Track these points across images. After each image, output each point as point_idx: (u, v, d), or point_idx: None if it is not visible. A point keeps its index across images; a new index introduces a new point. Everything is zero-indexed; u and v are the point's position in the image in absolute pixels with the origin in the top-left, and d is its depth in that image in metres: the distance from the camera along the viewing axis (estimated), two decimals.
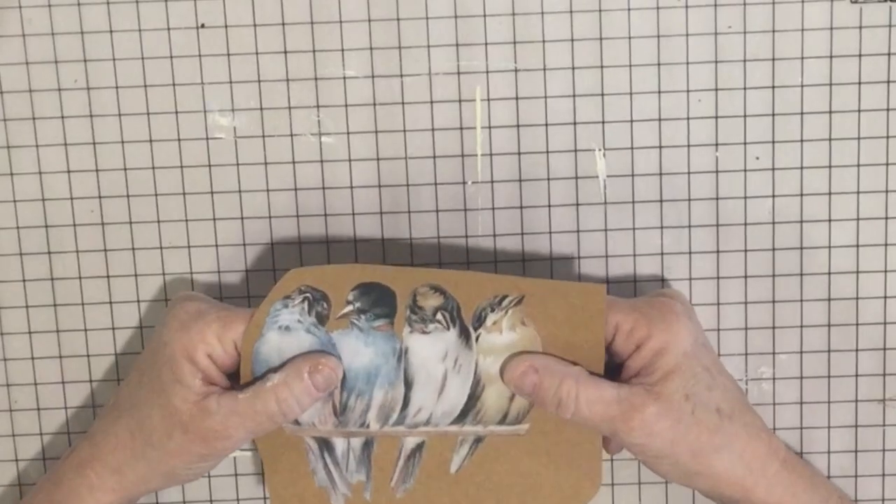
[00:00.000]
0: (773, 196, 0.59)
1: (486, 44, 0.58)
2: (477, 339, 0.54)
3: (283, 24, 0.58)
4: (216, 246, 0.60)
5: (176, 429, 0.53)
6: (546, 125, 0.59)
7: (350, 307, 0.54)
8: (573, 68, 0.58)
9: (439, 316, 0.54)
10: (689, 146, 0.59)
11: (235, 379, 0.55)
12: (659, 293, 0.55)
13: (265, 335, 0.54)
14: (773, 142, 0.59)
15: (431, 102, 0.58)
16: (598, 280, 0.59)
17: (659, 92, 0.58)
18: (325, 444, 0.56)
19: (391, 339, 0.54)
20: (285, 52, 0.58)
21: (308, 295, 0.54)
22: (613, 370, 0.54)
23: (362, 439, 0.56)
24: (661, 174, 0.59)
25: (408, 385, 0.55)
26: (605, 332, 0.54)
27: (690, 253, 0.60)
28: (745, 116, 0.58)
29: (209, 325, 0.53)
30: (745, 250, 0.59)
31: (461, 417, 0.55)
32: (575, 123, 0.58)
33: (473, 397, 0.55)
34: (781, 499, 0.54)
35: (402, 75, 0.58)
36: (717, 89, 0.58)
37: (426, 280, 0.54)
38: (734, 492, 0.54)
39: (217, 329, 0.53)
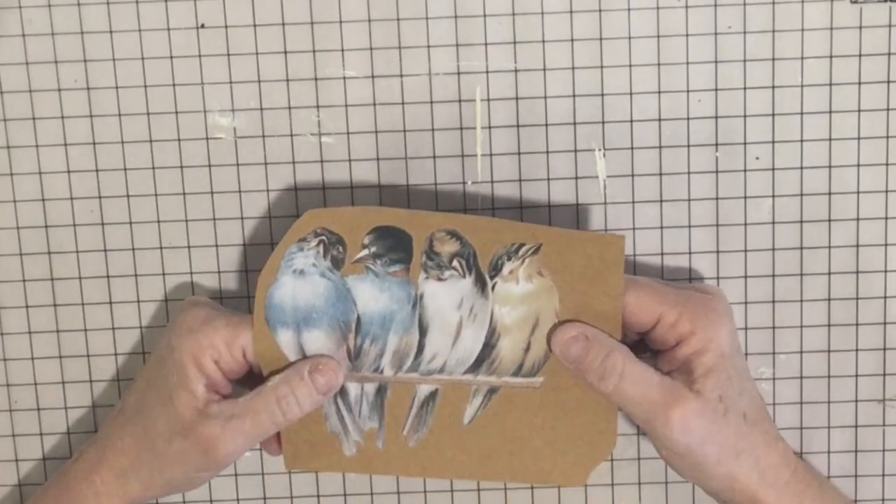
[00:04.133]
0: (773, 196, 0.59)
1: (486, 44, 0.58)
2: (493, 287, 0.54)
3: (283, 24, 0.58)
4: (216, 246, 0.60)
5: (177, 435, 0.53)
6: (546, 125, 0.59)
7: (366, 251, 0.54)
8: (573, 68, 0.58)
9: (455, 263, 0.54)
10: (689, 146, 0.59)
11: (243, 386, 0.55)
12: (702, 288, 0.55)
13: (279, 279, 0.54)
14: (773, 142, 0.59)
15: (431, 102, 0.58)
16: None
17: (659, 92, 0.58)
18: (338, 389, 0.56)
19: (406, 285, 0.54)
20: (285, 53, 0.58)
21: (324, 238, 0.54)
22: (647, 358, 0.54)
23: (376, 385, 0.56)
24: (661, 174, 0.59)
25: (422, 332, 0.55)
26: (622, 287, 0.53)
27: (690, 253, 0.60)
28: (745, 116, 0.58)
29: (217, 331, 0.53)
30: (745, 250, 0.59)
31: (476, 366, 0.55)
32: (575, 123, 0.58)
33: (488, 346, 0.55)
34: None
35: (402, 75, 0.58)
36: (717, 89, 0.58)
37: (443, 225, 0.54)
38: (744, 498, 0.54)
39: (226, 335, 0.53)
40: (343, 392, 0.56)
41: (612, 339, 0.53)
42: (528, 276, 0.54)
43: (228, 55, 0.58)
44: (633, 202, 0.59)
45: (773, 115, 0.58)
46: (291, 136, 0.59)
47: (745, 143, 0.59)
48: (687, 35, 0.58)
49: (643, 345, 0.56)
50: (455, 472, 0.57)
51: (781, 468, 0.54)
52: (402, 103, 0.58)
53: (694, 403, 0.52)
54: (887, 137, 0.59)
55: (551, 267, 0.54)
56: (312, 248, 0.54)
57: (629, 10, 0.57)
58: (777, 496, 0.54)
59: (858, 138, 0.58)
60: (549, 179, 0.59)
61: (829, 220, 0.59)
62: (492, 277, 0.54)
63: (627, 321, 0.54)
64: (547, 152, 0.59)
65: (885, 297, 0.60)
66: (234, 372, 0.54)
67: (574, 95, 0.58)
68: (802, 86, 0.58)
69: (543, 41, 0.58)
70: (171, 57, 0.58)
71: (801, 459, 0.57)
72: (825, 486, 0.56)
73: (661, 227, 0.59)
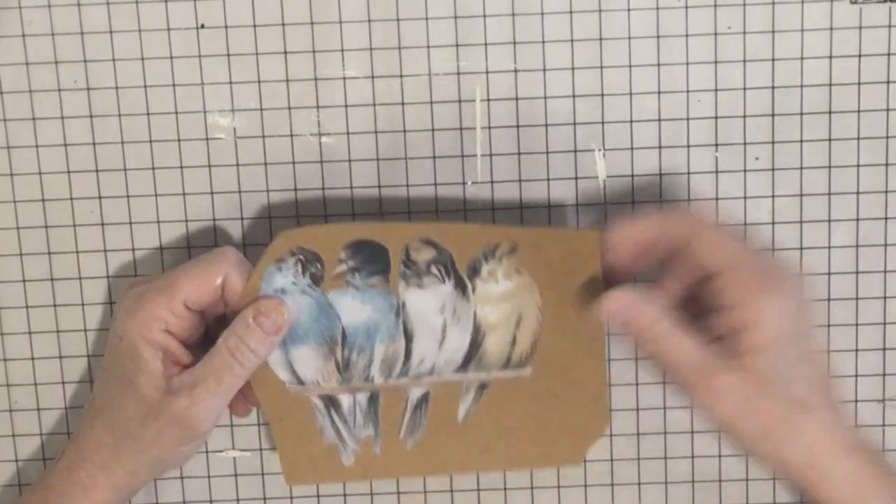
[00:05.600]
0: (773, 196, 0.59)
1: (486, 44, 0.58)
2: (473, 290, 0.55)
3: (283, 24, 0.58)
4: (216, 246, 0.60)
5: (148, 417, 0.53)
6: (546, 125, 0.59)
7: (344, 266, 0.54)
8: (573, 68, 0.58)
9: (434, 269, 0.55)
10: (689, 146, 0.59)
11: (200, 348, 0.55)
12: (774, 261, 0.53)
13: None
14: (773, 142, 0.59)
15: (431, 102, 0.58)
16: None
17: (659, 92, 0.58)
18: (331, 402, 0.56)
19: (388, 295, 0.55)
20: (285, 53, 0.58)
21: (300, 257, 0.54)
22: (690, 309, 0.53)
23: (368, 394, 0.56)
24: (661, 174, 0.59)
25: (408, 338, 0.55)
26: (601, 273, 0.53)
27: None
28: (744, 116, 0.58)
29: (154, 301, 0.53)
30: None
31: (464, 365, 0.56)
32: (575, 123, 0.58)
33: (475, 345, 0.56)
34: (848, 499, 0.51)
35: (402, 75, 0.58)
36: (716, 89, 0.58)
37: (417, 234, 0.54)
38: (800, 480, 0.52)
39: (163, 302, 0.53)
40: (336, 404, 0.56)
41: (660, 302, 0.52)
42: (506, 275, 0.55)
43: (228, 55, 0.58)
44: (633, 202, 0.59)
45: (773, 115, 0.58)
46: (291, 136, 0.59)
47: (745, 144, 0.59)
48: (687, 35, 0.58)
49: (696, 304, 0.53)
50: (455, 468, 0.57)
51: (840, 457, 0.51)
52: (402, 103, 0.58)
53: (728, 377, 0.50)
54: (887, 137, 0.59)
55: (529, 265, 0.55)
56: (291, 267, 0.54)
57: (629, 10, 0.57)
58: (834, 484, 0.51)
59: (858, 138, 0.58)
60: (549, 180, 0.59)
61: (829, 221, 0.59)
62: (471, 280, 0.55)
63: (688, 265, 0.52)
64: (547, 152, 0.59)
65: (885, 297, 0.60)
66: (188, 332, 0.54)
67: (574, 95, 0.58)
68: (802, 86, 0.58)
69: (543, 41, 0.58)
70: (171, 57, 0.58)
71: (874, 452, 0.53)
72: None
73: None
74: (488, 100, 0.58)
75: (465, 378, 0.56)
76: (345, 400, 0.56)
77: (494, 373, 0.56)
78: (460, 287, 0.55)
